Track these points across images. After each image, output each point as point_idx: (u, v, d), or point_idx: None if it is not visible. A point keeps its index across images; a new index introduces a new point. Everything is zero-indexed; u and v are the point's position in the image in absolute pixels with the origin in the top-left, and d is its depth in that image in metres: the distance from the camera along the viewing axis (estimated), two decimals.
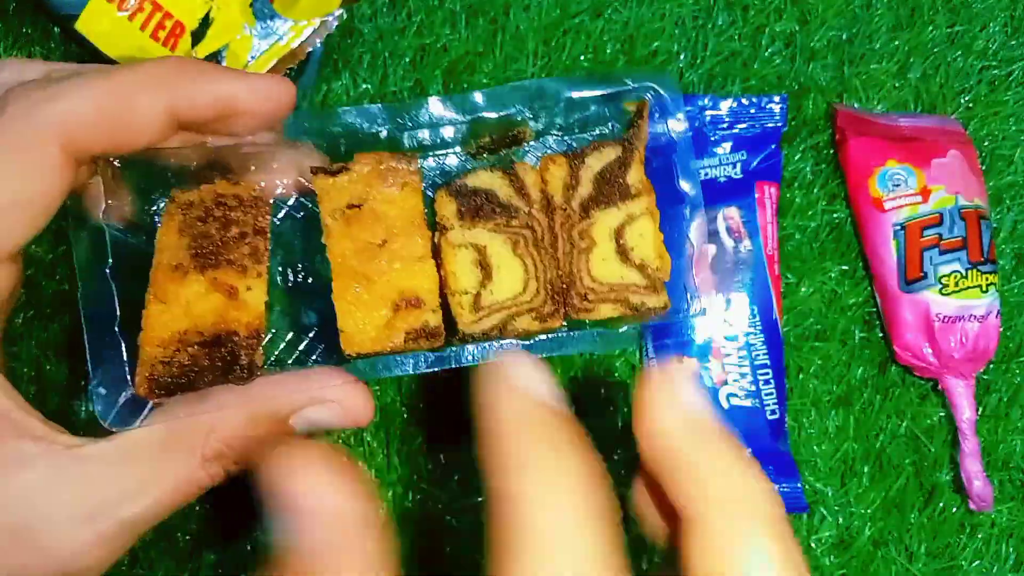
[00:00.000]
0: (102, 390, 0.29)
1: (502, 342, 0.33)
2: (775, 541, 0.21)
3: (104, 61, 0.43)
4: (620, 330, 0.34)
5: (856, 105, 0.49)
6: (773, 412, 0.45)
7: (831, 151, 0.48)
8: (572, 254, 0.33)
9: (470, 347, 0.33)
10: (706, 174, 0.46)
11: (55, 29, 0.46)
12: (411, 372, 0.33)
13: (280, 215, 0.35)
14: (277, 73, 0.44)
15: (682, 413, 0.23)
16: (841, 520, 0.45)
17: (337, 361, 0.33)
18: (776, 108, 0.46)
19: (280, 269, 0.34)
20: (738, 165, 0.46)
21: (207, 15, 0.43)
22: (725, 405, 0.44)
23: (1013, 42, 0.50)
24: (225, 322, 0.31)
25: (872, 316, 0.47)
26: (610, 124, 0.35)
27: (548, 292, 0.32)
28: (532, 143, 0.35)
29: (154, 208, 0.33)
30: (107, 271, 0.30)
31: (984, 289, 0.45)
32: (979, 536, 0.45)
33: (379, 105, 0.33)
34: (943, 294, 0.45)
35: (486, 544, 0.21)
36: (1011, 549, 0.45)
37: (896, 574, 0.45)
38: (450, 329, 0.32)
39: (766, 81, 0.48)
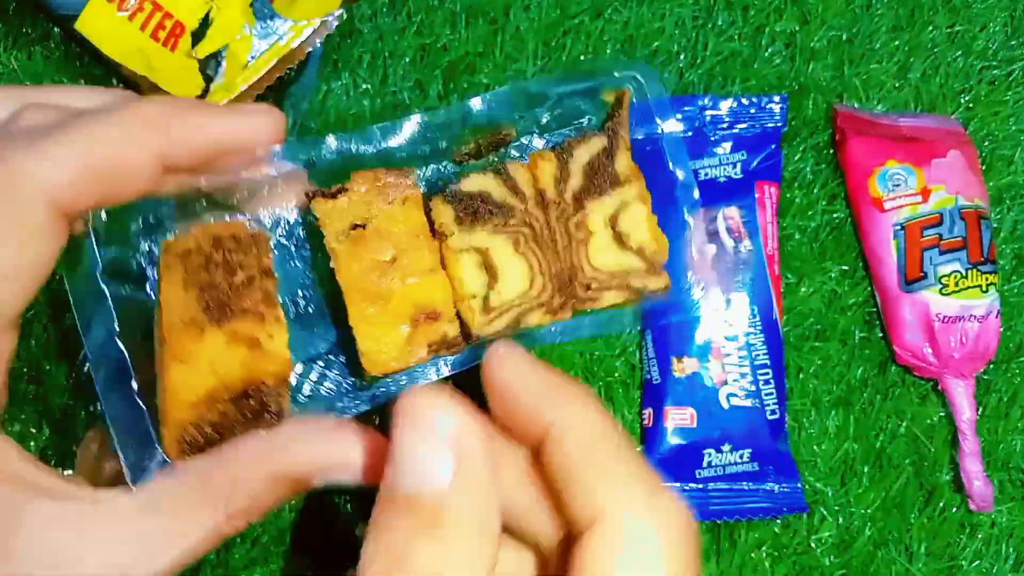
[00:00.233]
0: (131, 456, 0.28)
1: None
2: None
3: (104, 61, 0.43)
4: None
5: (856, 105, 0.49)
6: (773, 412, 0.45)
7: (831, 151, 0.48)
8: (571, 246, 0.33)
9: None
10: (706, 174, 0.46)
11: (55, 29, 0.46)
12: (434, 379, 0.33)
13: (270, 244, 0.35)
14: (278, 72, 0.44)
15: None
16: (841, 520, 0.45)
17: (355, 385, 0.32)
18: (776, 108, 0.46)
19: (281, 300, 0.33)
20: (738, 165, 0.46)
21: (207, 15, 0.43)
22: (725, 405, 0.44)
23: (1013, 42, 0.50)
24: (252, 374, 0.29)
25: (872, 316, 0.47)
26: (587, 118, 0.35)
27: (555, 286, 0.33)
28: (513, 143, 0.35)
29: (138, 252, 0.32)
30: (116, 338, 0.28)
31: (984, 289, 0.45)
32: (979, 536, 0.45)
33: (357, 132, 0.32)
34: (943, 294, 0.45)
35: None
36: (1011, 549, 0.45)
37: (896, 574, 0.45)
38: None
39: (766, 81, 0.48)
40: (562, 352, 0.46)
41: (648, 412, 0.45)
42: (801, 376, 0.46)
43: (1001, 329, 0.45)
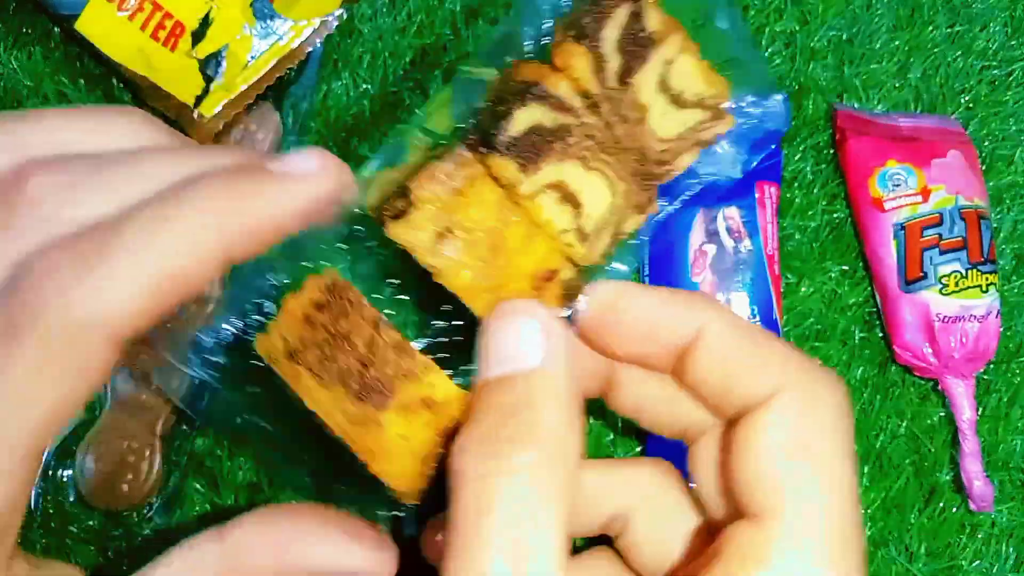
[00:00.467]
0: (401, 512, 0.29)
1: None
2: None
3: (104, 61, 0.43)
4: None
5: (856, 105, 0.49)
6: None
7: (831, 151, 0.48)
8: (633, 132, 0.30)
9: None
10: (706, 174, 0.46)
11: (55, 29, 0.46)
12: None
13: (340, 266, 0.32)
14: (278, 72, 0.44)
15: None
16: None
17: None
18: (777, 108, 0.46)
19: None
20: (738, 165, 0.46)
21: (207, 15, 0.43)
22: None
23: (1013, 42, 0.50)
24: (443, 424, 0.27)
25: (872, 316, 0.47)
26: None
27: (635, 182, 0.31)
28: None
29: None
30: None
31: (984, 289, 0.45)
32: (979, 536, 0.45)
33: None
34: (943, 294, 0.45)
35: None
36: (1011, 549, 0.45)
37: (896, 574, 0.45)
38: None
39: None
40: None
41: None
42: None
43: (1001, 329, 0.45)
